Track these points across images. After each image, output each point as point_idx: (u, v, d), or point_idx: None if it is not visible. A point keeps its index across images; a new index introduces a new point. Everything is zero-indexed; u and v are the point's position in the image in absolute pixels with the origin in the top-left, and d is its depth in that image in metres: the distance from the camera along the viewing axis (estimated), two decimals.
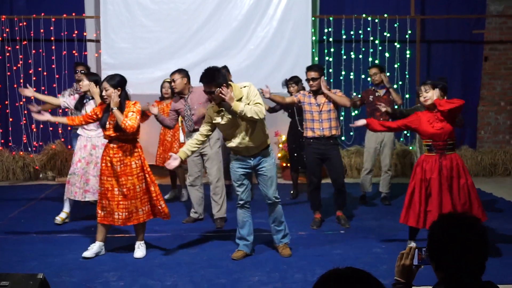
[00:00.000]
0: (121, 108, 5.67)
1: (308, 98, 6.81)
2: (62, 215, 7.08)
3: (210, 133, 5.74)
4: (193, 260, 5.75)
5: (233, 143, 5.61)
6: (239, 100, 5.45)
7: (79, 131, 7.03)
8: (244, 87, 5.56)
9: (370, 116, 7.86)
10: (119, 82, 5.70)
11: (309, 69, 6.83)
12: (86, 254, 5.79)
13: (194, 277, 5.28)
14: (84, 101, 6.91)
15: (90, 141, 6.88)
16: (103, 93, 5.72)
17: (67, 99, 7.07)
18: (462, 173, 5.63)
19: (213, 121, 5.59)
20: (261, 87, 6.80)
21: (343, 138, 10.05)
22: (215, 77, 5.40)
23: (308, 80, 6.76)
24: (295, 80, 8.00)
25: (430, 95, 5.62)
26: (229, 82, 5.55)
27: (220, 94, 5.37)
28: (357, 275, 1.97)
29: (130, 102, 5.77)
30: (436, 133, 5.59)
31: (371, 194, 8.35)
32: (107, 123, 5.70)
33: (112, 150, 5.71)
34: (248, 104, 5.44)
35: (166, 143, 8.36)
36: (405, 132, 10.05)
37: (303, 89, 7.71)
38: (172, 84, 7.01)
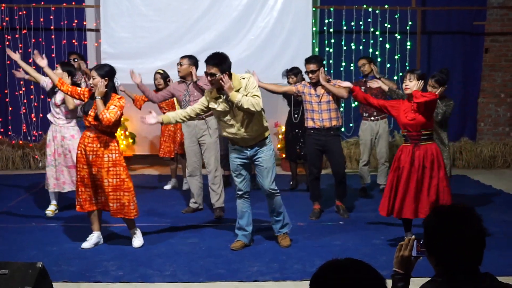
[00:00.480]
0: (106, 98, 5.62)
1: (308, 89, 6.80)
2: (51, 207, 7.07)
3: (202, 113, 5.76)
4: (192, 250, 5.76)
5: (229, 133, 5.61)
6: (237, 91, 5.44)
7: (49, 117, 6.95)
8: (243, 78, 5.54)
9: (363, 106, 7.90)
10: (107, 72, 5.66)
11: (307, 61, 6.79)
12: (85, 245, 5.79)
13: (193, 267, 5.28)
14: (55, 89, 6.78)
15: (60, 132, 6.81)
16: (90, 81, 5.70)
17: (47, 81, 6.95)
18: (436, 164, 5.61)
19: (209, 106, 5.60)
20: (260, 77, 6.79)
21: (342, 129, 10.04)
22: (221, 62, 5.41)
23: (307, 72, 6.74)
24: (294, 71, 7.98)
25: (412, 84, 5.58)
26: (231, 72, 5.53)
27: (220, 81, 5.37)
28: (356, 266, 1.98)
29: (116, 96, 5.71)
30: (408, 123, 5.61)
31: (369, 186, 8.35)
32: (90, 110, 5.67)
33: (87, 139, 5.68)
34: (246, 95, 5.43)
35: (170, 132, 8.33)
36: None
37: (303, 80, 7.69)
38: (178, 67, 6.99)
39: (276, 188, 5.79)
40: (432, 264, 2.39)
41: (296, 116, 8.03)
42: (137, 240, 5.87)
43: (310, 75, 6.69)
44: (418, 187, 5.59)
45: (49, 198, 7.06)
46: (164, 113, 8.25)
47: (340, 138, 7.02)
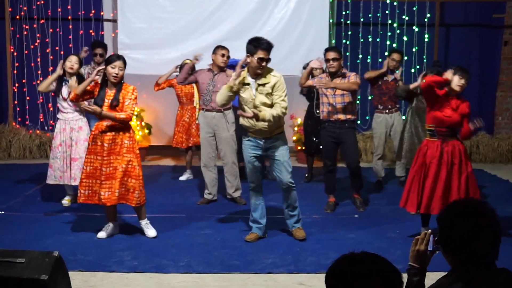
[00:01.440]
0: (120, 86, 5.74)
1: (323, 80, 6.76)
2: (68, 197, 7.11)
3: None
4: (207, 241, 5.78)
5: (247, 122, 5.60)
6: (263, 84, 5.48)
7: (58, 115, 6.98)
8: (275, 76, 5.57)
9: (378, 99, 7.89)
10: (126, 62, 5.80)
11: (328, 49, 6.83)
12: (101, 234, 5.83)
13: (208, 258, 5.30)
14: (63, 83, 6.81)
15: (69, 124, 6.83)
16: (116, 71, 5.67)
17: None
18: (464, 160, 5.62)
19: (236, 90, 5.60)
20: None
21: (358, 122, 9.99)
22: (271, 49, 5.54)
23: (328, 60, 6.68)
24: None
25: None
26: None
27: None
28: (372, 259, 1.97)
29: (128, 86, 5.77)
30: (442, 119, 5.58)
31: (385, 179, 8.31)
32: (104, 100, 5.68)
33: (104, 128, 5.69)
34: (271, 94, 5.48)
35: (184, 123, 8.35)
36: None
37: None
38: (225, 58, 7.03)
39: (293, 181, 5.79)
40: (448, 259, 2.37)
41: (318, 111, 7.99)
42: (151, 230, 5.89)
43: (332, 62, 6.64)
44: (446, 183, 5.59)
45: (64, 188, 7.09)
46: (180, 102, 8.31)
47: (355, 131, 6.99)
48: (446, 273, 2.37)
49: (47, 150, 10.12)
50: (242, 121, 5.67)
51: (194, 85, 7.86)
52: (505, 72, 10.63)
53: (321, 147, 7.93)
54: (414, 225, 6.19)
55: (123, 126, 5.73)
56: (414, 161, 5.80)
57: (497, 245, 2.33)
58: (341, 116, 6.69)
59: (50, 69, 10.00)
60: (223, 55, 7.02)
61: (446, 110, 5.58)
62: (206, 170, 7.16)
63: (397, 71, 7.88)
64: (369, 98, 9.85)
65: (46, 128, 10.20)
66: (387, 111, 7.90)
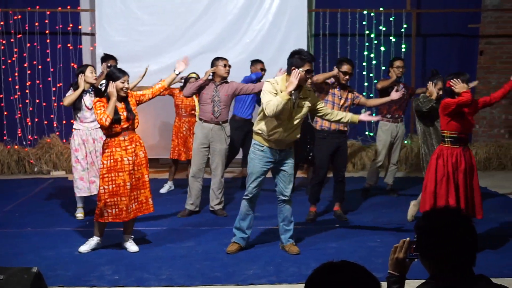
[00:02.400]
0: (126, 100, 5.80)
1: (332, 89, 6.80)
2: (81, 210, 7.04)
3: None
4: (188, 254, 5.76)
5: (274, 132, 5.54)
6: (304, 98, 5.60)
7: (76, 126, 6.96)
8: (310, 90, 5.77)
9: (388, 108, 7.93)
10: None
11: (346, 61, 6.84)
12: (83, 248, 5.77)
13: (190, 271, 5.28)
14: (84, 94, 6.84)
15: (90, 135, 6.84)
16: (126, 86, 5.70)
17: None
18: (475, 168, 5.82)
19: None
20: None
21: (371, 134, 10.07)
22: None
23: (346, 73, 6.74)
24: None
25: None
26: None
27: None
28: (352, 268, 1.98)
29: (134, 93, 5.96)
30: (469, 126, 5.77)
31: (372, 188, 8.33)
32: (119, 115, 5.64)
33: (124, 143, 5.66)
34: (308, 107, 5.64)
35: (181, 136, 8.32)
36: None
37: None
38: (228, 68, 7.07)
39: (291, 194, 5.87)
40: (426, 266, 2.40)
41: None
42: (134, 246, 5.85)
43: (348, 76, 6.76)
44: (467, 188, 5.70)
45: (43, 203, 7.05)
46: (178, 113, 8.28)
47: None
48: (424, 280, 2.39)
49: (25, 165, 10.03)
50: (270, 131, 5.56)
51: (194, 96, 7.79)
52: (482, 81, 10.77)
53: (310, 157, 8.00)
54: (395, 234, 6.23)
55: (137, 136, 5.81)
56: (433, 168, 5.78)
57: (474, 252, 2.36)
58: (342, 127, 6.82)
59: (28, 84, 9.95)
60: (224, 65, 7.07)
61: (469, 117, 5.67)
62: (194, 181, 7.14)
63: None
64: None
65: (24, 143, 10.12)
66: (393, 120, 7.96)
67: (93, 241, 5.82)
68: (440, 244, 2.32)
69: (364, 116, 5.87)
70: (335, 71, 6.79)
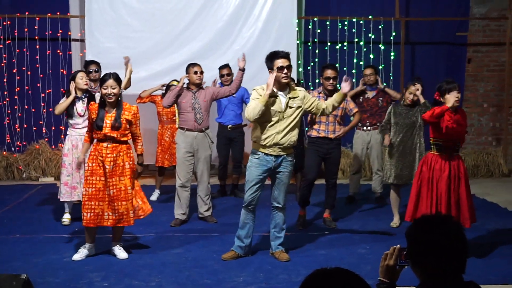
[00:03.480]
0: (118, 107, 5.69)
1: (321, 98, 6.81)
2: (67, 215, 7.02)
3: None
4: (178, 261, 5.75)
5: (268, 136, 5.55)
6: (293, 98, 5.59)
7: (68, 131, 6.95)
8: (301, 90, 5.76)
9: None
10: (119, 79, 5.76)
11: (328, 67, 6.85)
12: (76, 257, 5.72)
13: (179, 278, 5.27)
14: (77, 100, 6.83)
15: (81, 141, 6.80)
16: (108, 92, 5.59)
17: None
18: (463, 176, 5.76)
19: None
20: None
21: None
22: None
23: (328, 78, 6.74)
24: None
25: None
26: None
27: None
28: (344, 275, 1.99)
29: (132, 107, 5.81)
30: (450, 133, 5.68)
31: (359, 196, 8.40)
32: (104, 121, 5.61)
33: (105, 150, 5.63)
34: (300, 107, 5.63)
35: (164, 143, 8.34)
36: None
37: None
38: (199, 75, 7.06)
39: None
40: (416, 273, 2.41)
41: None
42: (123, 252, 5.83)
43: (332, 81, 6.72)
44: (450, 196, 5.71)
45: (32, 209, 7.02)
46: (160, 120, 8.31)
47: (340, 146, 7.12)
48: (414, 287, 2.41)
49: (14, 172, 9.98)
50: (263, 136, 5.57)
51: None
52: (470, 88, 10.87)
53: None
54: (384, 241, 6.25)
55: (124, 147, 5.70)
56: (418, 173, 5.85)
57: (464, 259, 2.38)
58: (331, 135, 6.81)
59: (17, 90, 9.91)
60: (196, 72, 7.07)
61: (453, 124, 5.66)
62: (182, 191, 7.09)
63: (378, 85, 8.06)
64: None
65: (13, 149, 10.06)
66: (364, 128, 8.04)
67: (85, 248, 5.80)
68: (430, 251, 2.34)
69: (346, 86, 5.75)
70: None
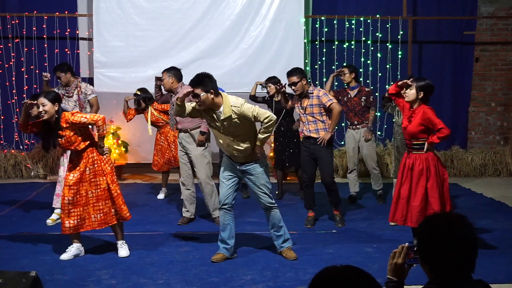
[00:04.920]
0: (57, 123, 5.49)
1: (297, 101, 6.87)
2: (54, 216, 7.05)
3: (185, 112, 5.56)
4: (186, 259, 5.76)
5: (221, 146, 5.64)
6: (225, 120, 5.37)
7: None
8: (235, 106, 5.36)
9: (346, 115, 8.16)
10: (54, 97, 5.51)
11: (289, 74, 6.77)
12: (64, 256, 5.72)
13: (187, 276, 5.29)
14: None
15: None
16: (40, 110, 5.43)
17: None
18: (424, 173, 5.66)
19: (199, 115, 5.61)
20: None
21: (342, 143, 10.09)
22: (204, 82, 5.32)
23: (290, 85, 6.76)
24: (272, 80, 8.05)
25: (411, 93, 5.70)
26: (222, 93, 5.49)
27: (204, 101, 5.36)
28: (355, 272, 2.00)
29: (65, 116, 5.48)
30: (404, 130, 5.77)
31: (360, 194, 8.40)
32: (56, 138, 5.53)
33: (77, 159, 5.63)
34: (239, 123, 5.39)
35: (160, 147, 8.35)
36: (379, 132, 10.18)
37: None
38: (158, 82, 7.12)
39: (273, 202, 5.79)
40: (426, 271, 2.42)
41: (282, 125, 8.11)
42: (124, 250, 5.83)
43: (293, 87, 6.73)
44: (407, 195, 5.72)
45: (40, 207, 7.08)
46: (157, 126, 8.32)
47: (331, 148, 6.99)
48: (423, 285, 2.41)
49: (22, 170, 10.03)
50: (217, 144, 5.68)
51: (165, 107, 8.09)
52: (477, 87, 10.85)
53: (287, 164, 8.18)
54: (391, 239, 6.25)
55: (92, 150, 5.62)
56: (401, 171, 5.89)
57: (474, 258, 2.39)
58: (314, 134, 6.77)
59: (25, 88, 9.96)
60: (161, 80, 7.21)
61: (405, 121, 5.70)
62: (184, 189, 7.12)
63: (354, 88, 8.01)
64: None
65: (21, 147, 10.12)
66: (353, 127, 8.07)
67: (73, 248, 5.79)
68: (440, 248, 2.34)
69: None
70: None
